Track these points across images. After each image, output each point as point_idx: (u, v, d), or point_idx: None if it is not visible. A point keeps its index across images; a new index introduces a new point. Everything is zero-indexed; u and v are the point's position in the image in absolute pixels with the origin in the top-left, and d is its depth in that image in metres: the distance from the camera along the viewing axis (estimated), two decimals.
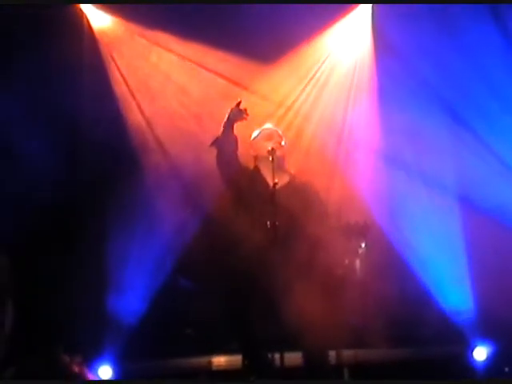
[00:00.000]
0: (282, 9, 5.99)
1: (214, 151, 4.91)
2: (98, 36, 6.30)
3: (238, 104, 4.88)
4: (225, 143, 4.87)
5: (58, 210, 5.87)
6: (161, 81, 6.43)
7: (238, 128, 4.93)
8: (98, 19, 6.30)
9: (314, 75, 6.54)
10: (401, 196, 6.18)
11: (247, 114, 4.88)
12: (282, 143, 5.04)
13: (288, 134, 5.68)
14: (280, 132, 5.16)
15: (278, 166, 4.81)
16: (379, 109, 6.31)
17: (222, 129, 4.88)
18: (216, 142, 4.91)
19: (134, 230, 6.05)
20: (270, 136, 5.05)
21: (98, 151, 6.08)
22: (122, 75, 6.35)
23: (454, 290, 6.11)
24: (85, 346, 5.34)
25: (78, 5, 6.16)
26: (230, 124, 4.87)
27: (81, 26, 6.21)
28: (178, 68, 6.42)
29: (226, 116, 4.85)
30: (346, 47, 6.54)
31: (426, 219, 6.15)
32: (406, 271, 6.06)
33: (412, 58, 6.18)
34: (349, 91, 6.49)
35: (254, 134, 5.13)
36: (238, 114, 4.87)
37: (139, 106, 6.37)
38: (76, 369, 2.19)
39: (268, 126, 5.24)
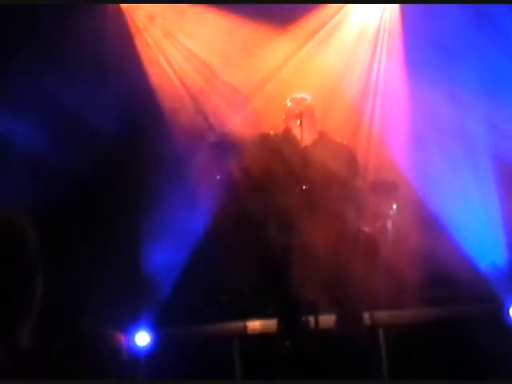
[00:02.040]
0: None
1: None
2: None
3: None
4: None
5: (87, 183, 5.90)
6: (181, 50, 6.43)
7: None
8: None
9: (330, 32, 6.45)
10: (431, 154, 6.11)
11: None
12: (308, 102, 5.06)
13: (314, 95, 5.62)
14: (309, 99, 5.16)
15: (306, 126, 4.82)
16: (408, 65, 6.22)
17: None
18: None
19: (165, 197, 6.06)
20: (299, 104, 5.06)
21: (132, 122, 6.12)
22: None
23: (488, 246, 6.05)
24: (121, 314, 5.39)
25: None
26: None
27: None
28: (197, 38, 6.42)
29: None
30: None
31: (457, 176, 6.08)
32: (438, 230, 6.01)
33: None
34: (375, 46, 6.41)
35: (288, 104, 5.17)
36: None
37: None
38: (111, 339, 2.20)
39: (296, 95, 5.24)
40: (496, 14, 6.01)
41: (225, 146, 5.56)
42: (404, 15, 6.30)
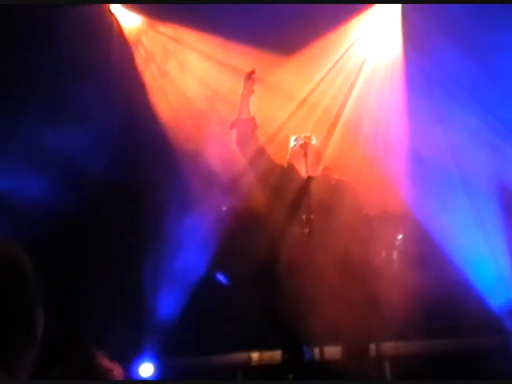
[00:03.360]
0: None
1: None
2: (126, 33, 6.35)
3: (251, 73, 4.93)
4: (242, 123, 4.90)
5: (88, 212, 5.92)
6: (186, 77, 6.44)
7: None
8: (125, 18, 6.34)
9: (342, 64, 6.45)
10: (437, 186, 6.10)
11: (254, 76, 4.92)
12: (313, 142, 5.05)
13: (319, 127, 5.63)
14: (312, 137, 5.17)
15: (310, 160, 4.81)
16: (411, 100, 6.23)
17: (239, 104, 4.92)
18: (235, 123, 4.95)
19: (170, 226, 6.07)
20: (302, 141, 5.06)
21: (128, 148, 6.12)
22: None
23: (494, 280, 6.02)
24: (125, 345, 5.37)
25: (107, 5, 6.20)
26: (245, 96, 4.91)
27: (109, 25, 6.24)
28: (203, 63, 6.42)
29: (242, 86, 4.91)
30: (372, 39, 6.45)
31: (464, 210, 6.07)
32: (444, 262, 5.98)
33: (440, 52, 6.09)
34: (378, 83, 6.41)
35: (291, 144, 5.16)
36: (250, 80, 4.92)
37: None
38: (112, 370, 2.20)
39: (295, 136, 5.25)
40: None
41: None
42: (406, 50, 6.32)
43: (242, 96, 4.93)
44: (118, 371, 2.26)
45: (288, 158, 5.14)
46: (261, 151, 4.95)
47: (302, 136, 5.14)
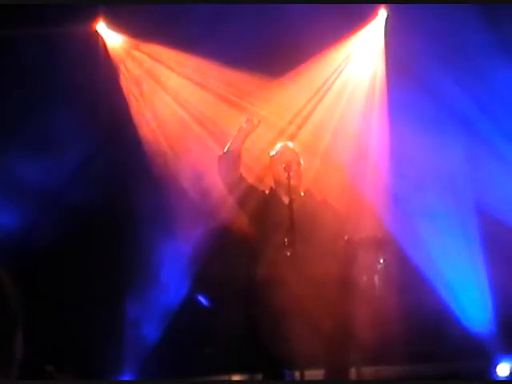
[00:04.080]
0: (291, 22, 5.96)
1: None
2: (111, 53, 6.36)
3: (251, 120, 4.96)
4: (229, 152, 4.91)
5: (70, 226, 5.90)
6: (167, 101, 6.44)
7: (251, 145, 4.95)
8: (111, 38, 6.35)
9: (326, 89, 6.49)
10: (418, 211, 6.13)
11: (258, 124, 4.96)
12: (301, 161, 5.05)
13: (302, 149, 5.65)
14: (296, 149, 5.16)
15: (293, 182, 4.81)
16: (394, 123, 6.27)
17: (231, 140, 4.95)
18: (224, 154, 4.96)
19: (151, 249, 6.05)
20: (285, 154, 5.05)
21: (112, 165, 6.12)
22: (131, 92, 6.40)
23: (474, 304, 6.05)
24: (104, 366, 5.33)
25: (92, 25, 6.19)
26: (240, 136, 4.93)
27: (95, 46, 6.24)
28: (185, 87, 6.43)
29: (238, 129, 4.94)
30: (357, 62, 6.50)
31: (443, 233, 6.10)
32: (424, 286, 6.01)
33: (424, 73, 6.15)
34: (362, 106, 6.45)
35: (272, 152, 5.14)
36: (250, 125, 4.95)
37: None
38: None
39: (281, 144, 5.24)
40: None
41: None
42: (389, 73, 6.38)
43: (240, 131, 4.96)
44: None
45: (269, 170, 5.15)
46: (241, 178, 4.96)
47: (283, 146, 5.15)
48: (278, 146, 5.17)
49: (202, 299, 6.23)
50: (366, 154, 6.31)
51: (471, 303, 6.04)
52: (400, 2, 6.14)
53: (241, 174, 4.96)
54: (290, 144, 5.26)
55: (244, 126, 4.98)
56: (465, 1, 5.90)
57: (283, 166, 4.83)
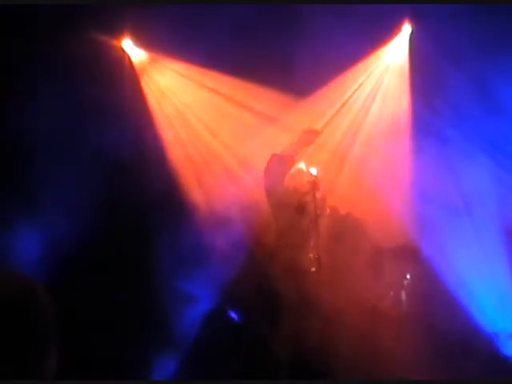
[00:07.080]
0: (314, 38, 5.98)
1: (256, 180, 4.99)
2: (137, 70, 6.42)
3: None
4: (284, 156, 4.96)
5: (99, 244, 5.94)
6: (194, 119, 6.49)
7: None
8: (137, 55, 6.41)
9: (349, 106, 6.51)
10: (445, 229, 6.08)
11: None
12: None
13: (327, 165, 5.65)
14: (315, 171, 5.18)
15: (318, 199, 4.83)
16: (419, 140, 6.26)
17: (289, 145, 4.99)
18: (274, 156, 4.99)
19: (180, 263, 6.06)
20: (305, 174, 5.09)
21: (138, 181, 6.14)
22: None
23: (503, 322, 5.98)
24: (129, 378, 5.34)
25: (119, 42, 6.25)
26: (299, 144, 4.99)
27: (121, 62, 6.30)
28: (209, 105, 6.47)
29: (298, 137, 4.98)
30: (379, 80, 6.52)
31: (471, 250, 6.05)
32: (453, 302, 5.95)
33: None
34: (387, 124, 6.45)
35: (292, 170, 5.18)
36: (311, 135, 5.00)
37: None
38: None
39: (302, 165, 5.27)
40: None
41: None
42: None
43: (299, 141, 5.02)
44: None
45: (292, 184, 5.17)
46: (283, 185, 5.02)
47: (305, 170, 5.17)
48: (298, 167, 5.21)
49: (231, 312, 6.22)
50: (392, 170, 6.29)
51: (500, 321, 5.97)
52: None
53: (283, 181, 5.01)
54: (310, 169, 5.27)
55: (305, 135, 5.03)
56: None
57: (306, 185, 4.87)
